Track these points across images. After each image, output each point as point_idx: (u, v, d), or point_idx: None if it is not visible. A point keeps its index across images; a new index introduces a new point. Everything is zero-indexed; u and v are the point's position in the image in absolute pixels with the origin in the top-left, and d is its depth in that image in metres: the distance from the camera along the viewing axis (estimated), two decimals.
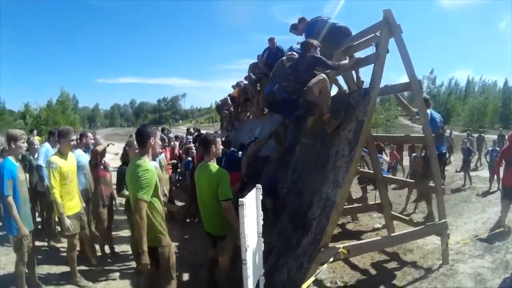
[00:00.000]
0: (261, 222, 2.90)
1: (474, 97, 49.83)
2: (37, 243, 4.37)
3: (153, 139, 2.88)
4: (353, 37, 4.32)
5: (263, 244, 2.96)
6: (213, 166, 3.45)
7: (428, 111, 5.21)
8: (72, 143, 3.97)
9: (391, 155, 9.79)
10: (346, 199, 6.51)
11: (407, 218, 4.92)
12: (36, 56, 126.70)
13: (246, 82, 8.29)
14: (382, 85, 3.75)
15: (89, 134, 4.95)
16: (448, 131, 16.40)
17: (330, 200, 3.51)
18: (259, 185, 2.88)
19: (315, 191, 3.99)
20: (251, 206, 2.73)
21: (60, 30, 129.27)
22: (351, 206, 5.85)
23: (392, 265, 4.44)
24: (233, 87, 9.91)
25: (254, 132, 7.18)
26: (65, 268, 4.26)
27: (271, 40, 7.00)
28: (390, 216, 5.07)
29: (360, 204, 5.93)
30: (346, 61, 3.91)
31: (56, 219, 4.52)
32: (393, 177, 5.26)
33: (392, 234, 4.09)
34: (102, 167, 4.60)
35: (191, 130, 12.81)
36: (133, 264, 4.53)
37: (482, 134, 14.73)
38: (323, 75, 3.72)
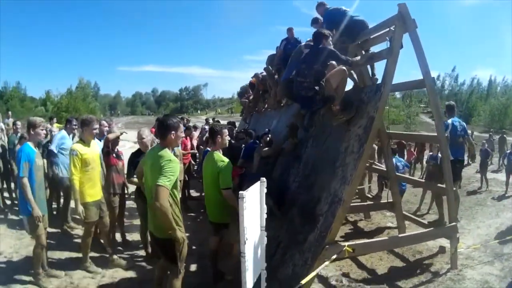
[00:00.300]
0: (265, 216, 2.88)
1: (496, 98, 48.03)
2: (51, 230, 4.55)
3: (174, 133, 2.80)
4: (368, 31, 4.22)
5: (266, 238, 2.95)
6: (217, 155, 3.54)
7: (450, 120, 5.31)
8: (94, 131, 4.07)
9: (409, 153, 9.58)
10: (360, 196, 6.58)
11: (419, 219, 4.79)
12: (59, 44, 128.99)
13: (265, 73, 8.22)
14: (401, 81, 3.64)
15: (103, 122, 5.06)
16: (469, 131, 15.86)
17: (337, 197, 3.47)
18: (263, 179, 2.85)
19: (324, 186, 3.95)
20: (254, 199, 2.72)
21: (83, 18, 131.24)
22: (363, 203, 5.76)
23: (400, 266, 4.37)
24: (252, 78, 9.88)
25: (271, 124, 7.17)
26: (76, 254, 4.42)
27: (289, 30, 6.81)
28: (402, 216, 4.96)
29: (372, 202, 5.81)
30: (358, 58, 3.80)
31: (73, 206, 4.62)
32: (404, 176, 5.13)
33: (400, 235, 4.00)
34: (114, 155, 4.65)
35: (210, 120, 12.90)
36: (143, 253, 4.64)
37: (504, 136, 14.22)
38: (343, 67, 3.61)
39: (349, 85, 4.82)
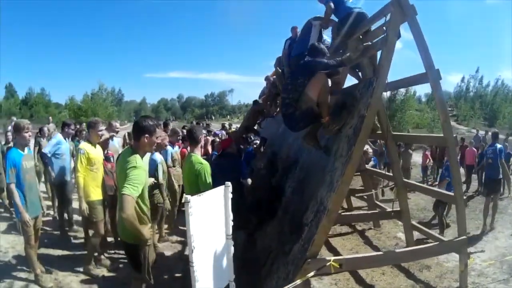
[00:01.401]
0: (231, 223, 2.65)
1: None
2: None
3: (148, 137, 2.66)
4: (366, 23, 3.80)
5: (232, 248, 2.72)
6: (196, 158, 3.40)
7: (499, 146, 6.04)
8: (100, 133, 4.14)
9: (424, 157, 8.84)
10: (368, 204, 6.08)
11: (430, 230, 4.25)
12: (86, 52, 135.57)
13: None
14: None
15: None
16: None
17: (322, 205, 3.13)
18: (228, 183, 2.64)
19: (312, 194, 3.63)
20: (215, 204, 2.54)
21: (112, 27, 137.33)
22: (367, 212, 5.30)
23: (403, 282, 3.89)
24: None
25: (280, 129, 6.89)
26: (67, 252, 4.45)
27: (293, 29, 6.54)
28: (410, 226, 4.49)
29: (376, 211, 5.32)
30: (349, 54, 3.40)
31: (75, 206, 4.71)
32: (411, 182, 4.60)
33: (398, 250, 3.56)
34: (103, 157, 4.59)
35: (226, 125, 12.88)
36: None
37: None
38: (322, 74, 3.32)
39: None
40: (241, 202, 4.18)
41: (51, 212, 6.03)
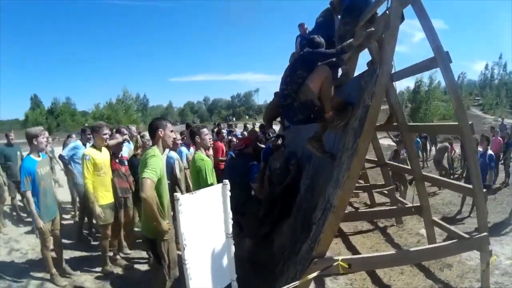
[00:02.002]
0: (230, 221, 2.62)
1: None
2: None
3: (161, 131, 2.93)
4: (370, 7, 3.59)
5: (233, 247, 2.68)
6: (198, 155, 3.45)
7: None
8: (104, 136, 4.15)
9: (450, 149, 8.35)
10: (391, 199, 5.80)
11: (452, 227, 3.93)
12: (112, 60, 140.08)
13: None
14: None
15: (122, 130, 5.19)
16: None
17: (329, 203, 2.99)
18: (226, 181, 2.61)
19: (321, 190, 3.49)
20: (214, 203, 2.52)
21: (135, 34, 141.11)
22: (385, 208, 5.05)
23: (422, 282, 3.63)
24: None
25: (299, 129, 6.76)
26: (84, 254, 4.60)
27: (301, 26, 6.45)
28: (431, 222, 4.22)
29: (395, 207, 5.04)
30: (350, 40, 3.21)
31: None
32: (430, 175, 4.29)
33: (412, 249, 3.27)
34: (117, 160, 4.66)
35: (249, 126, 12.84)
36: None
37: None
38: (325, 66, 3.17)
39: None
40: (249, 205, 4.14)
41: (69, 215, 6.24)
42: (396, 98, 4.26)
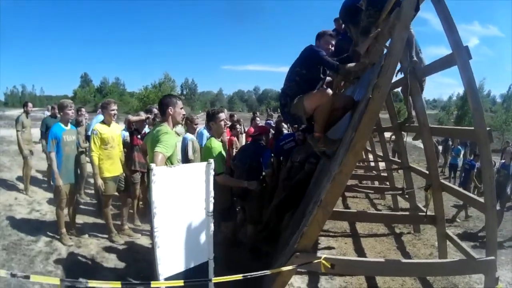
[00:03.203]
0: (212, 200, 2.63)
1: None
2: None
3: (171, 109, 3.00)
4: None
5: (212, 225, 2.68)
6: (209, 141, 3.55)
7: None
8: (112, 112, 4.40)
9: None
10: (414, 205, 5.41)
11: (462, 243, 3.56)
12: (164, 45, 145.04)
13: None
14: None
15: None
16: None
17: (320, 197, 2.86)
18: (211, 160, 2.60)
19: (320, 184, 3.35)
20: (197, 180, 2.55)
21: (193, 21, 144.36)
22: (397, 213, 4.73)
23: None
24: None
25: None
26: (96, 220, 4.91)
27: (336, 21, 6.08)
28: (444, 234, 3.87)
29: (405, 213, 4.70)
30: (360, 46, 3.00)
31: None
32: (446, 183, 3.87)
33: (404, 261, 3.01)
34: (138, 136, 4.90)
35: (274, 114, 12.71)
36: None
37: None
38: (327, 91, 2.98)
39: None
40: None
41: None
42: (420, 98, 3.94)
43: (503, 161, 5.92)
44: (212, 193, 2.62)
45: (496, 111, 29.43)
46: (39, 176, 7.22)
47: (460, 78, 2.68)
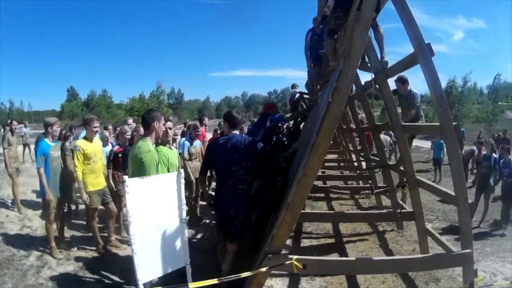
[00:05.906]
0: (185, 207, 2.77)
1: None
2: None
3: (156, 123, 3.06)
4: None
5: (187, 232, 2.82)
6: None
7: None
8: (94, 129, 4.51)
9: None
10: (395, 202, 5.45)
11: (442, 238, 3.61)
12: (150, 53, 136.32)
13: None
14: None
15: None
16: None
17: (287, 199, 2.93)
18: (181, 170, 2.80)
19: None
20: (168, 188, 2.67)
21: (178, 28, 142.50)
22: (375, 212, 4.77)
23: None
24: None
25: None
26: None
27: (315, 20, 6.24)
28: (423, 230, 3.93)
29: (384, 211, 4.75)
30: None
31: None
32: (423, 179, 3.90)
33: (377, 258, 3.06)
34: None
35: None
36: None
37: None
38: None
39: None
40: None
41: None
42: (391, 97, 4.02)
43: (484, 152, 5.94)
44: (184, 201, 2.73)
45: (483, 102, 29.48)
46: (29, 192, 7.32)
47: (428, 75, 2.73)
